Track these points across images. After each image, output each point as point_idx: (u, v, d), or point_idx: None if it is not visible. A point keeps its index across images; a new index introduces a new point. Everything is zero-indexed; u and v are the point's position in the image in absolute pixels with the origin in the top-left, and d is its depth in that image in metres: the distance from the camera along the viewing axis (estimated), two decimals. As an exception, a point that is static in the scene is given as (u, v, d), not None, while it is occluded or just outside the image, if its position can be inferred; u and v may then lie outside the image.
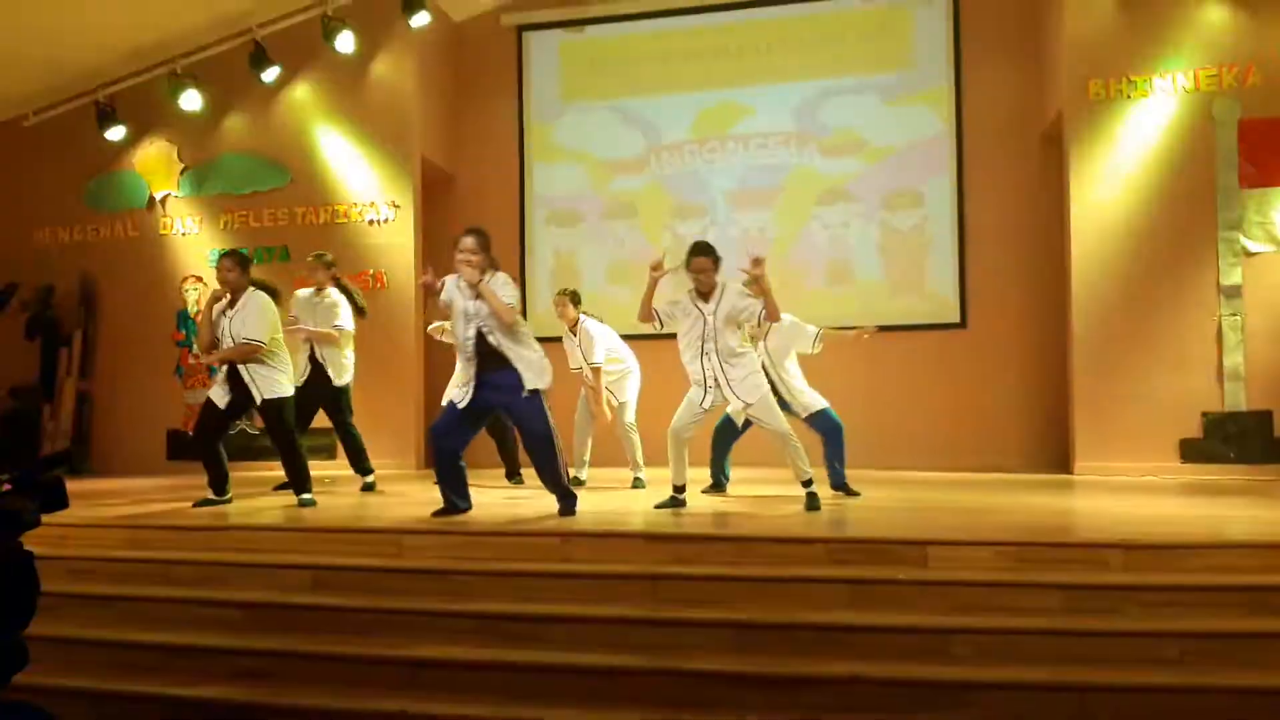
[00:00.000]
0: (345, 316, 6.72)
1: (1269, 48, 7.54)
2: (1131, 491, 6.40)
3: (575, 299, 6.87)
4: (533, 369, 5.08)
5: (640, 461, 6.84)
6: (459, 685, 3.65)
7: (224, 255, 5.96)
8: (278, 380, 5.78)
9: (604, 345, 6.76)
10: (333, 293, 6.76)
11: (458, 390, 5.16)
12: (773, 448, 5.43)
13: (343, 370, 6.75)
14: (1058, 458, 8.23)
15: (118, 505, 5.96)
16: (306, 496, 5.89)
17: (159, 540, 4.93)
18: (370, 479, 6.87)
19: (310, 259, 6.90)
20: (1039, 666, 3.47)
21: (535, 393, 5.07)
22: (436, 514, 5.09)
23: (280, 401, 5.79)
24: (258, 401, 5.75)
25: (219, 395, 5.80)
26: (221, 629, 4.10)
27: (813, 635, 3.72)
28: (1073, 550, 4.12)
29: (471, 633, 3.92)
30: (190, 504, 5.77)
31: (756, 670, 3.54)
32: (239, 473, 6.58)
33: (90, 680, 3.88)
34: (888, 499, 5.82)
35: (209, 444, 5.82)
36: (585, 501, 5.42)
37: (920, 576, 3.99)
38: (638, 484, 6.76)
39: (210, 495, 5.82)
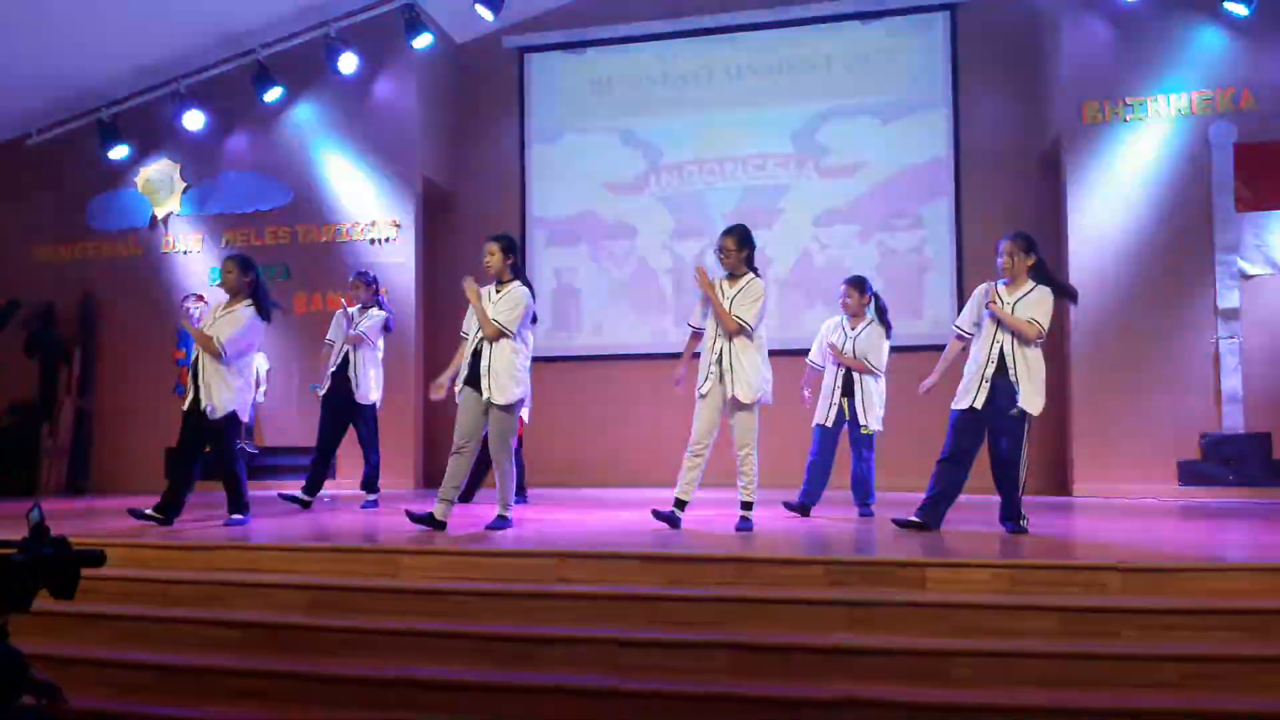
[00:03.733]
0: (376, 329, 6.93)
1: (1264, 72, 7.62)
2: (1130, 513, 6.40)
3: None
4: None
5: None
6: (455, 706, 3.64)
7: (229, 257, 5.98)
8: (227, 395, 5.67)
9: None
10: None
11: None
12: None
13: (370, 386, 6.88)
14: (1056, 479, 8.23)
15: (116, 523, 5.95)
16: (236, 517, 5.78)
17: (157, 559, 4.91)
18: (373, 497, 6.93)
19: (353, 279, 7.12)
20: (1037, 689, 3.46)
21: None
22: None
23: (227, 418, 5.70)
24: (202, 407, 5.63)
25: (189, 399, 5.73)
26: (220, 648, 4.08)
27: (810, 657, 3.71)
28: (1071, 572, 4.11)
29: (468, 653, 3.90)
30: (193, 523, 5.76)
31: (754, 692, 3.53)
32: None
33: (88, 700, 3.86)
34: (886, 520, 5.81)
35: (185, 460, 5.73)
36: (583, 522, 5.42)
37: (918, 598, 3.98)
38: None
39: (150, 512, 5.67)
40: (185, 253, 9.74)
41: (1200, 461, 7.52)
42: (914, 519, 5.26)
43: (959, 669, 3.58)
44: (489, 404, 5.24)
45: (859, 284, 6.32)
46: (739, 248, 5.40)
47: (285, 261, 9.40)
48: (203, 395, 5.63)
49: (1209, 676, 3.48)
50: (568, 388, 9.37)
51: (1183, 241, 7.67)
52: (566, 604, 4.13)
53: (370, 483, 6.98)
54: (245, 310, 5.73)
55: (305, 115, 9.55)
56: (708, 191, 9.54)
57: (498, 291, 5.36)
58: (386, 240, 9.27)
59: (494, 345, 5.25)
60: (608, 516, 6.23)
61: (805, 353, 6.50)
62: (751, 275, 5.42)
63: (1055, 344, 8.35)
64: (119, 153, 9.66)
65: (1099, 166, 7.90)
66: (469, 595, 4.24)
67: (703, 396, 5.35)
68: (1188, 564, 4.16)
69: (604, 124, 9.80)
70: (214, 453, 5.79)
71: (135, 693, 3.88)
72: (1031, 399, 5.11)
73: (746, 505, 5.37)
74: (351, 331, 6.83)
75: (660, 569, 4.34)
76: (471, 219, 9.87)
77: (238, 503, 5.81)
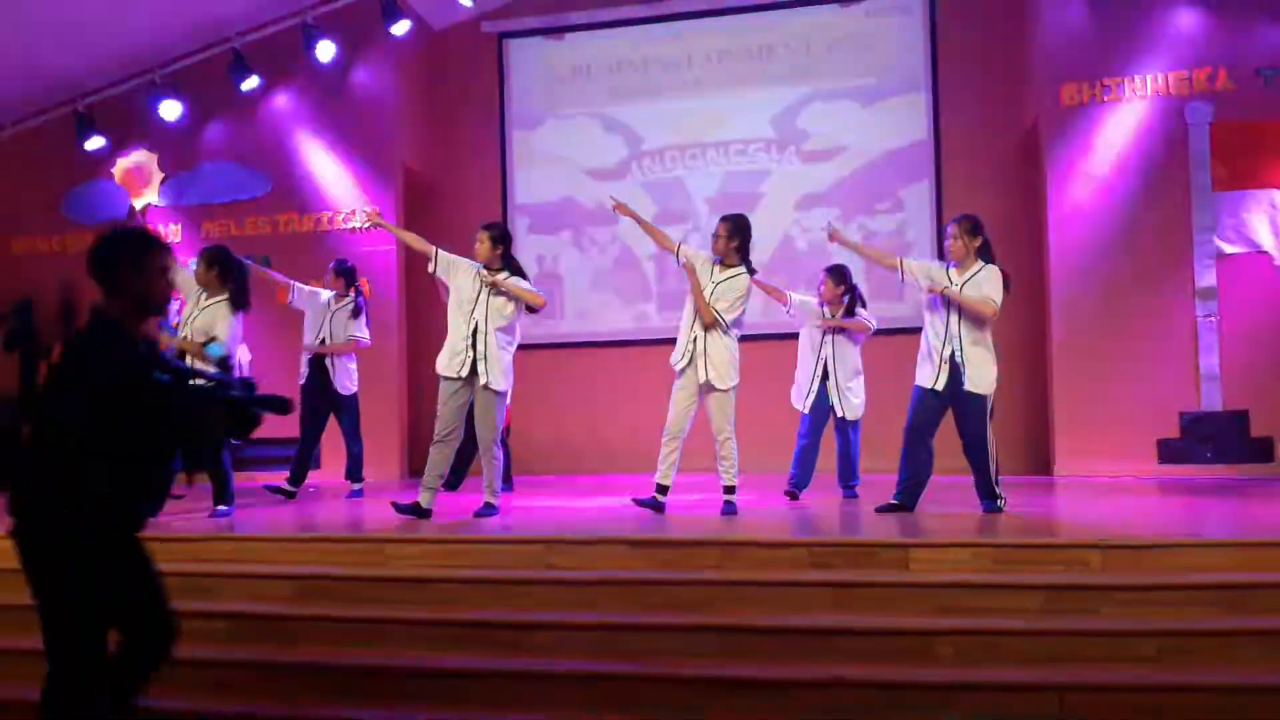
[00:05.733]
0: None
1: (1240, 52, 7.66)
2: (1110, 492, 6.47)
3: None
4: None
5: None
6: (443, 693, 3.66)
7: (199, 253, 6.01)
8: None
9: None
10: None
11: None
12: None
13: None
14: (1038, 459, 8.31)
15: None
16: (222, 508, 5.79)
17: (141, 552, 4.90)
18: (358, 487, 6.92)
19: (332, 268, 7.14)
20: (1020, 666, 3.52)
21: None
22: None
23: None
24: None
25: None
26: (205, 640, 4.07)
27: (796, 638, 3.74)
28: (1052, 551, 4.17)
29: (455, 640, 3.92)
30: (176, 514, 5.73)
31: (741, 674, 3.57)
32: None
33: (73, 693, 3.86)
34: (869, 501, 5.86)
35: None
36: (570, 508, 5.44)
37: (902, 579, 4.02)
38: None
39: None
40: (164, 244, 9.66)
41: (1179, 440, 7.60)
42: (893, 502, 5.31)
43: (942, 648, 3.62)
44: (485, 389, 5.27)
45: (837, 274, 6.33)
46: (729, 236, 5.43)
47: (266, 252, 9.30)
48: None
49: (1187, 650, 3.54)
50: (551, 375, 9.35)
51: (1161, 221, 7.73)
52: (555, 590, 4.15)
53: (354, 472, 7.00)
54: (223, 308, 5.71)
55: (283, 104, 9.47)
56: (689, 177, 9.53)
57: None
58: (367, 229, 9.22)
59: (495, 333, 5.29)
60: (594, 502, 6.25)
61: (786, 337, 6.53)
62: (741, 270, 5.43)
63: (1036, 324, 8.42)
64: (96, 144, 9.55)
65: (1078, 148, 7.94)
66: (457, 583, 4.25)
67: (680, 372, 5.38)
68: (1166, 541, 4.22)
69: (584, 110, 9.77)
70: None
71: (122, 686, 3.88)
72: (980, 381, 5.19)
73: (729, 489, 5.40)
74: (344, 336, 6.88)
75: (647, 554, 4.37)
76: (452, 206, 9.81)
77: (223, 493, 5.80)
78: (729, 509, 5.33)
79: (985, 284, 5.21)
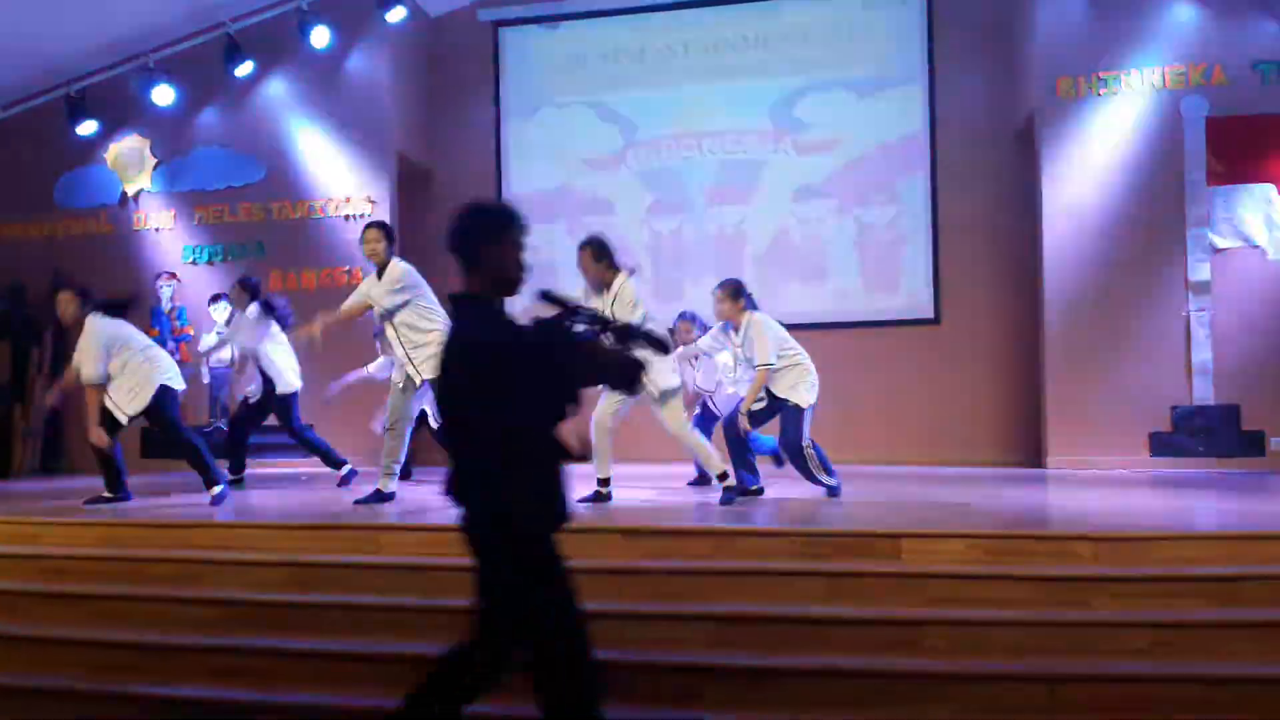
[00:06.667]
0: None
1: (1235, 46, 7.67)
2: (1102, 484, 6.49)
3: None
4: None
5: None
6: (437, 680, 3.66)
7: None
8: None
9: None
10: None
11: None
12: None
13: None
14: (1030, 452, 8.33)
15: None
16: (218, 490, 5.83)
17: (134, 538, 4.90)
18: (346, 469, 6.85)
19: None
20: (1011, 657, 3.53)
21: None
22: None
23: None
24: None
25: None
26: (198, 626, 4.08)
27: (789, 628, 3.75)
28: (1044, 542, 4.17)
29: (448, 628, 3.91)
30: (168, 502, 5.73)
31: (733, 663, 3.57)
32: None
33: (66, 679, 3.86)
34: (862, 493, 5.87)
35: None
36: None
37: (894, 569, 4.03)
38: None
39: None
40: (157, 230, 9.61)
41: (1171, 433, 7.63)
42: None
43: (934, 638, 3.63)
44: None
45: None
46: (596, 258, 5.38)
47: (259, 238, 9.30)
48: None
49: (1179, 642, 3.56)
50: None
51: (1155, 215, 7.74)
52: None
53: (331, 460, 6.93)
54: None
55: (277, 90, 9.42)
56: (685, 167, 9.52)
57: None
58: (361, 216, 9.16)
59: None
60: (585, 492, 6.25)
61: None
62: (619, 276, 5.38)
63: (1029, 316, 8.43)
64: (88, 128, 9.49)
65: (1073, 141, 7.95)
66: (450, 570, 4.24)
67: None
68: (1158, 533, 4.23)
69: (580, 99, 9.74)
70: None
71: (114, 672, 3.88)
72: (789, 394, 5.49)
73: (721, 477, 5.41)
74: (247, 345, 6.97)
75: (640, 543, 4.37)
76: (447, 195, 9.78)
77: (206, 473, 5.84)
78: (726, 497, 5.36)
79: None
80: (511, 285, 2.64)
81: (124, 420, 5.79)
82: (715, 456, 5.47)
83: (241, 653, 3.87)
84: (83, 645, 4.05)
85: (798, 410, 5.46)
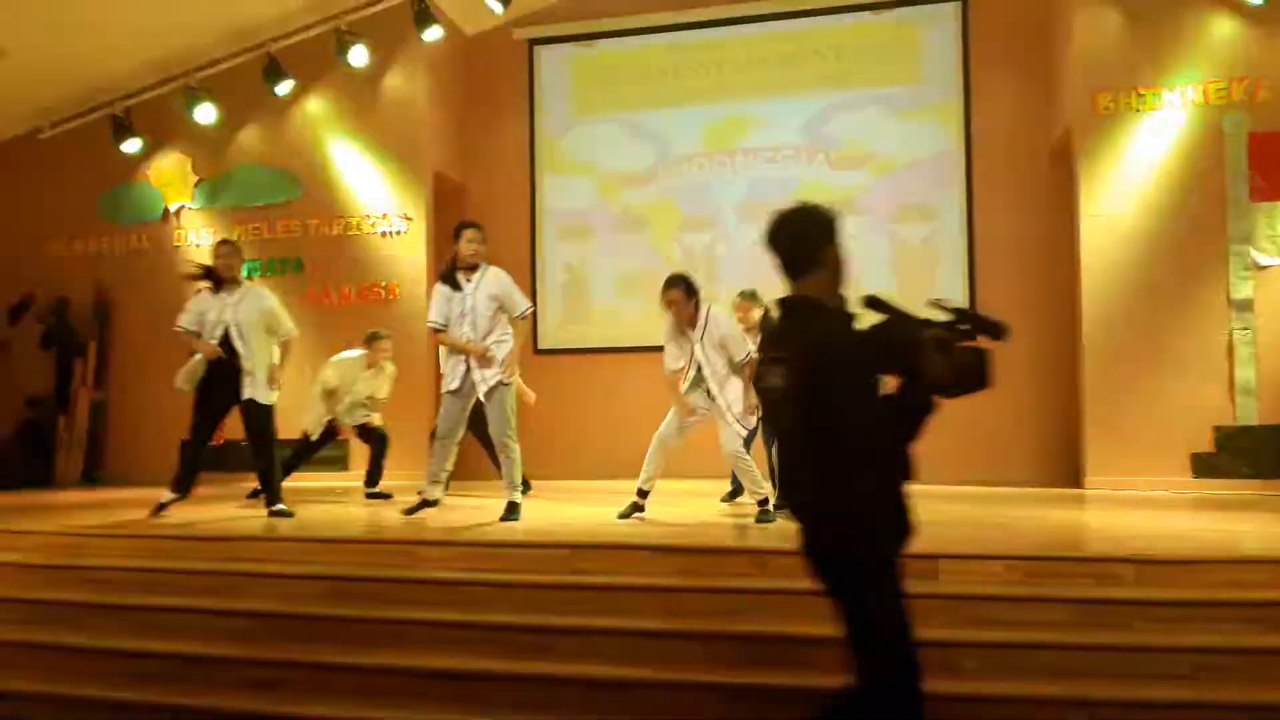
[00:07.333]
0: None
1: (1278, 61, 7.56)
2: (1143, 506, 6.39)
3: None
4: None
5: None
6: (470, 696, 3.67)
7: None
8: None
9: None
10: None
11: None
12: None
13: None
14: (1068, 472, 8.22)
15: (132, 514, 6.00)
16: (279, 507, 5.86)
17: (173, 550, 4.96)
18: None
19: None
20: (1049, 681, 3.48)
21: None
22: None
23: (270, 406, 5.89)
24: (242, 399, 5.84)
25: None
26: (235, 639, 4.12)
27: (825, 648, 3.72)
28: (1084, 565, 4.12)
29: (483, 643, 3.94)
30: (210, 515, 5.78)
31: (767, 682, 3.55)
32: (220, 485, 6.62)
33: (105, 689, 3.91)
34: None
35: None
36: (596, 513, 5.46)
37: (930, 590, 3.99)
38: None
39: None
40: (197, 246, 9.77)
41: (1214, 454, 7.49)
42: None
43: (970, 661, 3.59)
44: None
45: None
46: (687, 299, 5.47)
47: (298, 255, 9.43)
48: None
49: (1222, 668, 3.49)
50: (576, 380, 9.38)
51: (1196, 232, 7.63)
52: (581, 595, 4.16)
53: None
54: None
55: (316, 108, 9.57)
56: (717, 183, 9.53)
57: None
58: (398, 234, 9.30)
59: None
60: (619, 509, 6.25)
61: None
62: (707, 309, 5.55)
63: (1067, 334, 8.34)
64: (132, 146, 9.69)
65: (1111, 157, 7.86)
66: (484, 586, 4.27)
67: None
68: (1201, 556, 4.16)
69: (613, 116, 9.79)
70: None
71: (153, 683, 3.93)
72: None
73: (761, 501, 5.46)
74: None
75: (674, 561, 4.36)
76: (483, 212, 9.84)
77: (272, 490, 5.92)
78: (764, 518, 5.36)
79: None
80: (842, 285, 2.58)
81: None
82: (759, 479, 5.49)
83: (281, 666, 3.91)
84: (125, 656, 4.11)
85: None
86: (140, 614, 4.38)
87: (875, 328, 2.42)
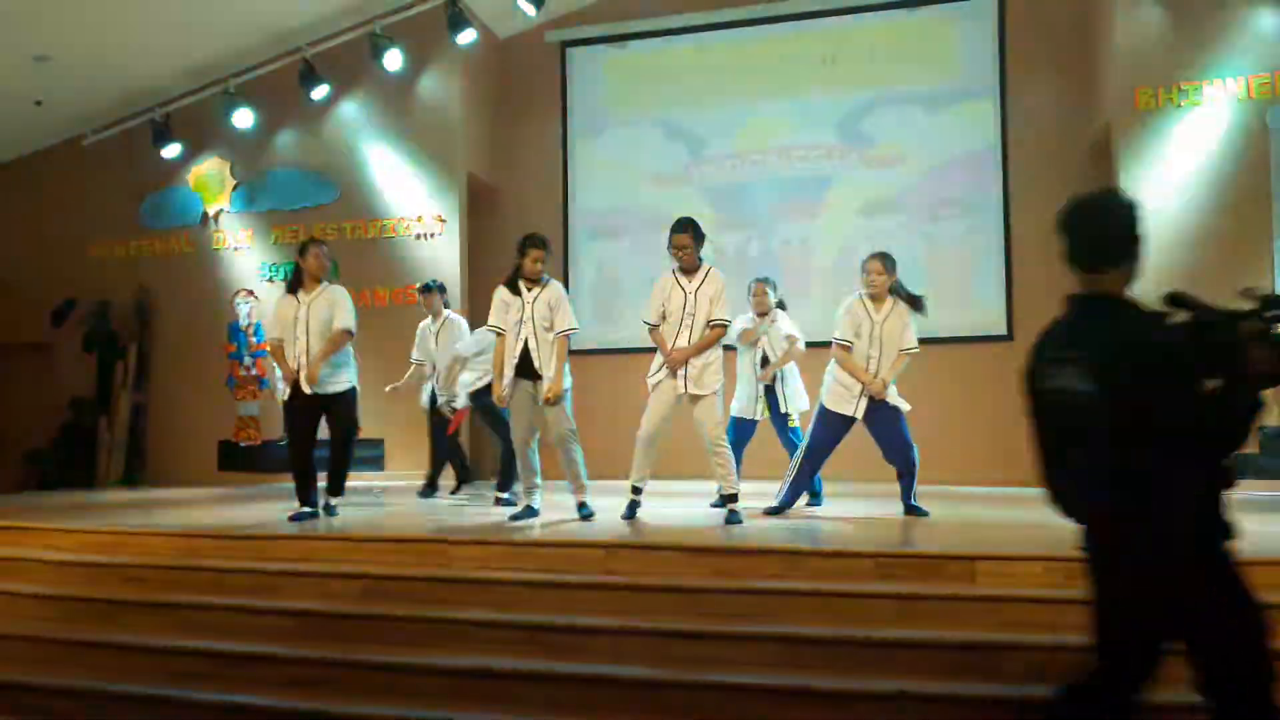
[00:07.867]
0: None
1: (1325, 54, 7.40)
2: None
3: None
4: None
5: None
6: (503, 695, 3.68)
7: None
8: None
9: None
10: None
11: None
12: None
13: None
14: (1108, 472, 8.09)
15: (171, 514, 6.08)
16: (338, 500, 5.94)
17: (211, 549, 5.01)
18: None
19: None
20: (1091, 684, 3.41)
21: None
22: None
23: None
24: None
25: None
26: (272, 637, 4.16)
27: (859, 650, 3.69)
28: (1125, 566, 4.03)
29: (516, 642, 3.94)
30: (282, 515, 5.79)
31: (801, 684, 3.52)
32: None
33: (143, 686, 3.96)
34: (935, 513, 5.76)
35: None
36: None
37: (969, 592, 3.94)
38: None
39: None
40: (236, 249, 9.91)
41: (1258, 454, 7.34)
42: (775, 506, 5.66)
43: (1010, 663, 3.54)
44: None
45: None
46: (697, 242, 5.58)
47: (333, 257, 9.46)
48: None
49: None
50: (610, 380, 9.38)
51: (1238, 227, 7.49)
52: (614, 595, 4.15)
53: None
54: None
55: (351, 112, 9.66)
56: (751, 183, 9.50)
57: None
58: (432, 235, 9.35)
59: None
60: (652, 509, 6.23)
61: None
62: (708, 267, 5.64)
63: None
64: (172, 151, 9.85)
65: (1152, 153, 7.74)
66: (519, 585, 4.28)
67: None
68: (1247, 558, 4.06)
69: (646, 116, 9.79)
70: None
71: (191, 680, 3.98)
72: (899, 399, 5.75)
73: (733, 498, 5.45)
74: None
75: (708, 561, 4.34)
76: (515, 213, 9.91)
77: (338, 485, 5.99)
78: (733, 518, 5.28)
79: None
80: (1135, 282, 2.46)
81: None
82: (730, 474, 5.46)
83: (315, 664, 3.93)
84: (162, 652, 4.16)
85: None
86: (178, 611, 4.43)
87: (1188, 325, 2.33)
